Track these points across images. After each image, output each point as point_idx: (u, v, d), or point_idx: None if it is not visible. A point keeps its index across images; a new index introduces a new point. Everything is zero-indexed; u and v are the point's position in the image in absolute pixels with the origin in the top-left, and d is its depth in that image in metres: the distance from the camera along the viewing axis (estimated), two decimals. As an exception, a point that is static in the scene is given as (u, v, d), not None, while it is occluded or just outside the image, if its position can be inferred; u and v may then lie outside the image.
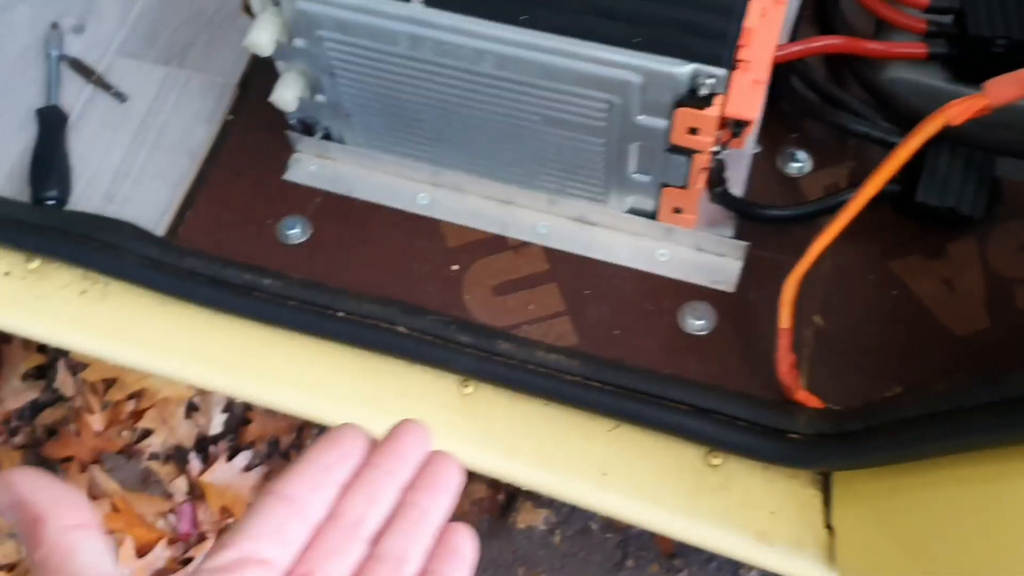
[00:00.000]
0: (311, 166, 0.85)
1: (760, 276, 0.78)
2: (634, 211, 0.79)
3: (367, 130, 0.80)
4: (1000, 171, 0.77)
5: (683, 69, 0.63)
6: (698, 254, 0.79)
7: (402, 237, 0.82)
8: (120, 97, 0.91)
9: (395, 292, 0.79)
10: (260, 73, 0.91)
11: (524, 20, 0.64)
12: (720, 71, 0.62)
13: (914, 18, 0.84)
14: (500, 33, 0.65)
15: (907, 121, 0.73)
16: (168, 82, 0.91)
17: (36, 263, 0.82)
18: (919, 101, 0.82)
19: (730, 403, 0.72)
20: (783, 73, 0.83)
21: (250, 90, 0.90)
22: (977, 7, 0.79)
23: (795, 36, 0.83)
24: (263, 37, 0.70)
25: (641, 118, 0.67)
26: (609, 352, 0.76)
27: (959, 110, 0.62)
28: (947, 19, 0.83)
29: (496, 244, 0.81)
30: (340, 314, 0.76)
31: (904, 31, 0.85)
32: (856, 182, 0.79)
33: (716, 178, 0.73)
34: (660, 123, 0.67)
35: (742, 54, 0.64)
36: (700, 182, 0.72)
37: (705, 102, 0.63)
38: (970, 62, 0.81)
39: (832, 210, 0.77)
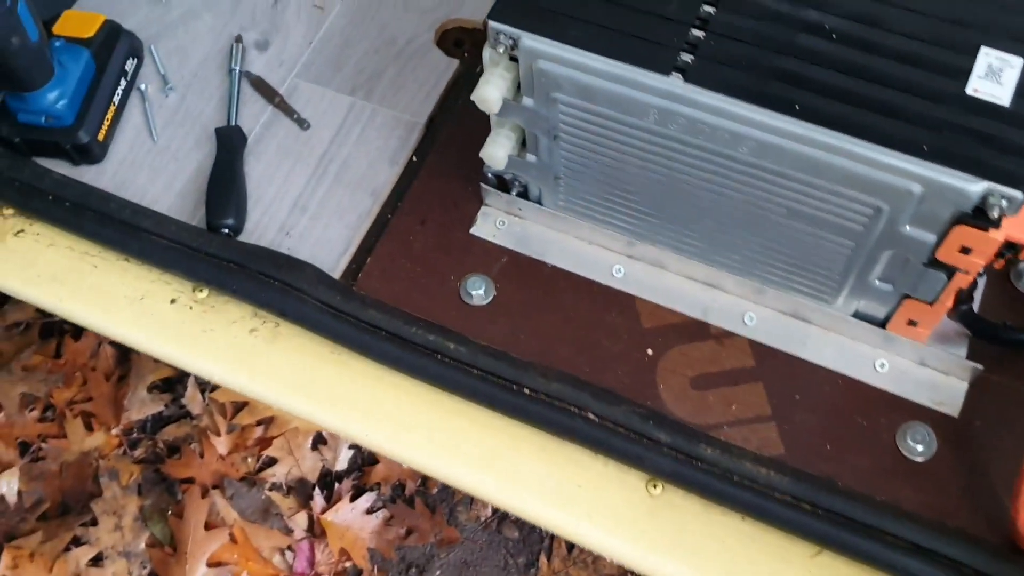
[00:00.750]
0: (500, 222, 0.79)
1: (987, 401, 0.71)
2: (859, 315, 0.72)
3: (572, 194, 0.74)
4: None
5: (975, 187, 0.56)
6: (920, 369, 0.72)
7: (593, 310, 0.76)
8: (303, 124, 0.86)
9: (581, 370, 0.73)
10: (448, 113, 0.87)
11: (796, 110, 0.58)
12: (1017, 193, 0.55)
13: None
14: (765, 119, 0.58)
15: None
16: (353, 114, 0.87)
17: (204, 293, 0.78)
18: None
19: (955, 545, 0.64)
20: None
21: (438, 131, 0.86)
22: None
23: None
24: (492, 94, 0.64)
25: (908, 228, 0.60)
26: (818, 468, 0.69)
27: None
28: None
29: (696, 330, 0.75)
30: (526, 391, 0.71)
31: None
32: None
33: (966, 295, 0.66)
34: (929, 236, 0.60)
35: None
36: (950, 299, 0.65)
37: (991, 223, 0.56)
38: None
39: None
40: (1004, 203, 0.56)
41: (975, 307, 0.72)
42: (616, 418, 0.70)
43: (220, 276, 0.77)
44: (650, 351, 0.74)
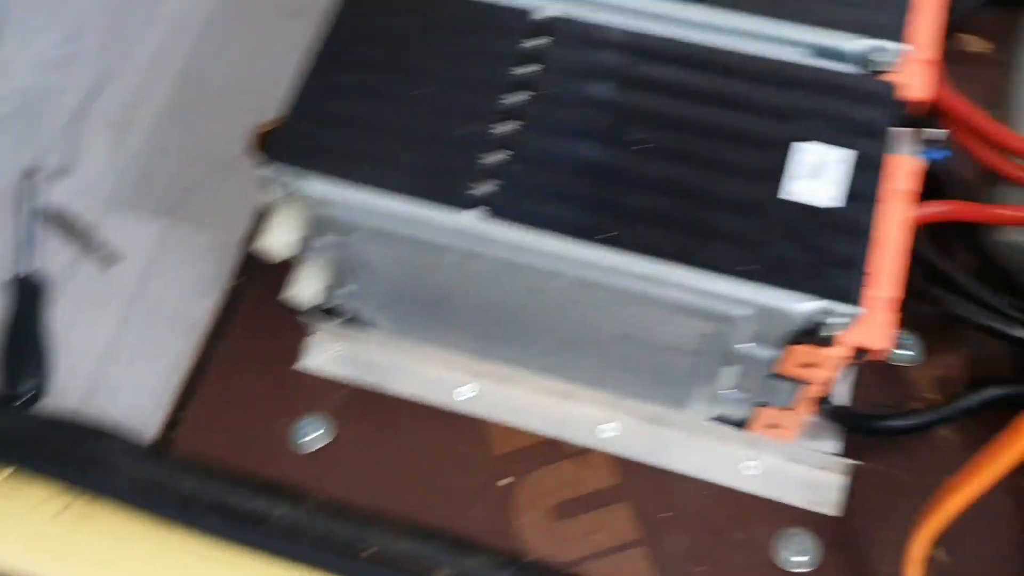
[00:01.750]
0: (334, 351, 0.72)
1: (871, 495, 0.66)
2: (721, 419, 0.66)
3: (402, 320, 0.68)
4: None
5: (802, 306, 0.50)
6: (794, 467, 0.67)
7: (442, 442, 0.69)
8: (110, 259, 0.78)
9: (435, 515, 0.66)
10: (271, 228, 0.79)
11: (607, 238, 0.52)
12: (849, 308, 0.50)
13: (1036, 172, 0.72)
14: (577, 253, 0.52)
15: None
16: (165, 240, 0.79)
17: (6, 473, 0.70)
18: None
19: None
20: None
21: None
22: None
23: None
24: (277, 243, 0.57)
25: (744, 347, 0.55)
26: (694, 596, 0.63)
27: None
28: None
29: (553, 451, 0.69)
30: (369, 551, 0.64)
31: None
32: (974, 376, 0.67)
33: (825, 394, 0.60)
34: (766, 353, 0.55)
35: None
36: (806, 404, 0.60)
37: (826, 341, 0.51)
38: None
39: (954, 418, 0.65)
40: (836, 320, 0.50)
41: (848, 386, 0.67)
42: (471, 571, 0.63)
43: (20, 454, 0.69)
44: (505, 481, 0.68)
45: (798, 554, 0.64)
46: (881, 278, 0.54)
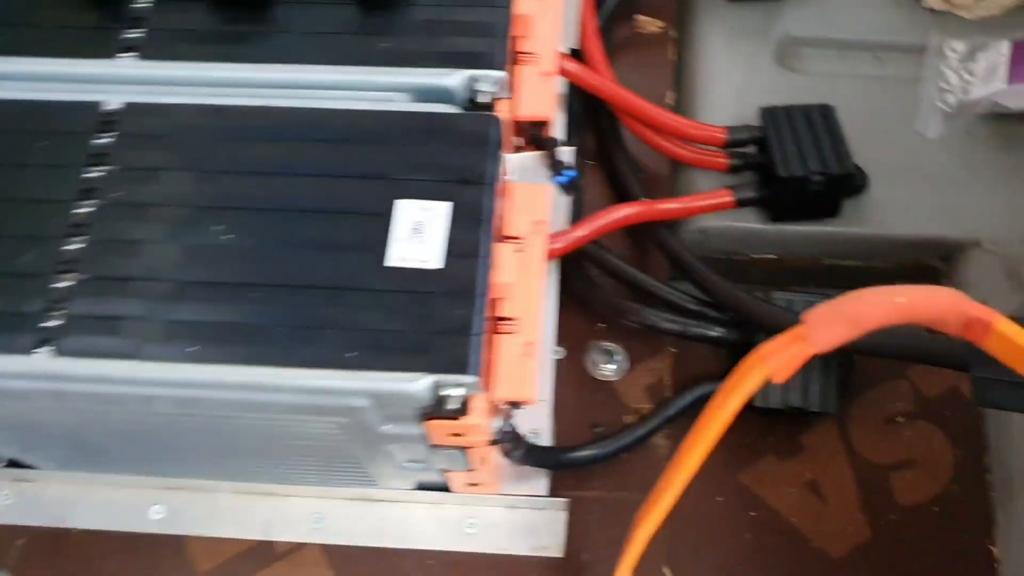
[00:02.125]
0: (3, 497, 0.65)
1: (592, 526, 0.63)
2: (424, 486, 0.63)
3: (58, 458, 0.61)
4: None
5: (417, 385, 0.46)
6: (512, 513, 0.63)
7: (140, 570, 0.63)
8: None
9: (139, 655, 0.60)
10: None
11: (192, 353, 0.46)
12: (468, 379, 0.46)
13: (712, 155, 0.70)
14: (163, 374, 0.47)
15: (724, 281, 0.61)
16: None
17: None
18: (732, 246, 0.69)
19: None
20: (573, 260, 0.67)
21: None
22: (780, 150, 0.65)
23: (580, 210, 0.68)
24: None
25: (387, 428, 0.50)
26: None
27: (779, 364, 0.47)
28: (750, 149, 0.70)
29: (262, 553, 0.63)
30: None
31: (702, 168, 0.71)
32: (682, 378, 0.65)
33: (512, 441, 0.57)
34: (412, 430, 0.50)
35: (507, 308, 0.49)
36: (489, 461, 0.56)
37: (457, 412, 0.47)
38: (785, 203, 0.68)
39: (642, 440, 0.63)
40: (455, 391, 0.46)
41: (549, 406, 0.64)
42: None
43: None
44: (213, 600, 0.62)
45: (527, 608, 0.61)
46: (524, 325, 0.51)
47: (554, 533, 0.63)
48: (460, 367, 0.46)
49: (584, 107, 0.72)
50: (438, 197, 0.49)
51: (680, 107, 0.75)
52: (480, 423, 0.48)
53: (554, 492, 0.63)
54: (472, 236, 0.49)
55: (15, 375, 0.47)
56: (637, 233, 0.72)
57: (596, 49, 0.70)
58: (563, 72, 0.64)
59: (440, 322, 0.47)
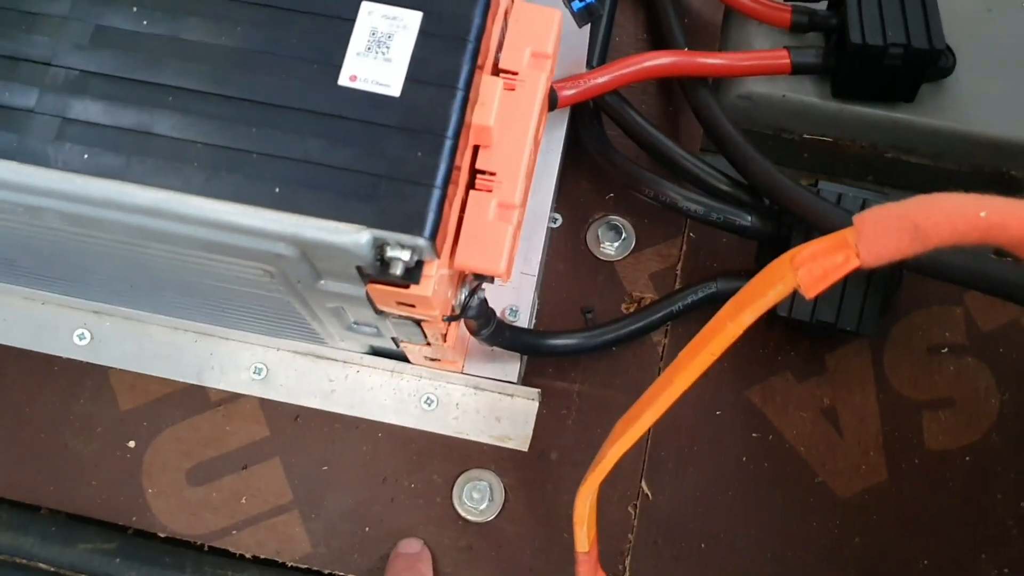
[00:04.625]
0: (-86, 300, 0.58)
1: (567, 422, 0.55)
2: (377, 352, 0.54)
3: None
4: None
5: (355, 238, 0.37)
6: (477, 396, 0.55)
7: (57, 399, 0.56)
8: None
9: (45, 490, 0.54)
10: None
11: (85, 162, 0.37)
12: (418, 241, 0.37)
13: (775, 6, 0.58)
14: (46, 182, 0.38)
15: (765, 160, 0.50)
16: None
17: None
18: (782, 121, 0.58)
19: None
20: (590, 113, 0.57)
21: None
22: (856, 9, 0.53)
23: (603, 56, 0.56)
24: None
25: (325, 284, 0.42)
26: (354, 565, 0.53)
27: (815, 274, 0.37)
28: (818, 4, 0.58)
29: (193, 399, 0.56)
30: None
31: (761, 22, 0.59)
32: (696, 268, 0.56)
33: (480, 318, 0.48)
34: (355, 291, 0.42)
35: (484, 159, 0.39)
36: (450, 338, 0.47)
37: (407, 277, 0.38)
38: (852, 76, 0.56)
39: (638, 335, 0.54)
40: (405, 254, 0.37)
41: (536, 284, 0.55)
42: (73, 563, 0.51)
43: None
44: (132, 443, 0.55)
45: (479, 500, 0.53)
46: (503, 182, 0.41)
47: (520, 424, 0.55)
48: (410, 225, 0.36)
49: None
50: (411, 4, 0.38)
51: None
52: (430, 295, 0.39)
53: (528, 380, 0.55)
54: (450, 59, 0.38)
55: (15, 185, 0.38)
56: (670, 89, 0.60)
57: None
58: None
59: (394, 165, 0.37)
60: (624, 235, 0.58)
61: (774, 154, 0.61)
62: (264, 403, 0.56)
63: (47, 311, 0.57)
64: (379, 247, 0.37)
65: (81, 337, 0.57)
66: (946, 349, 0.55)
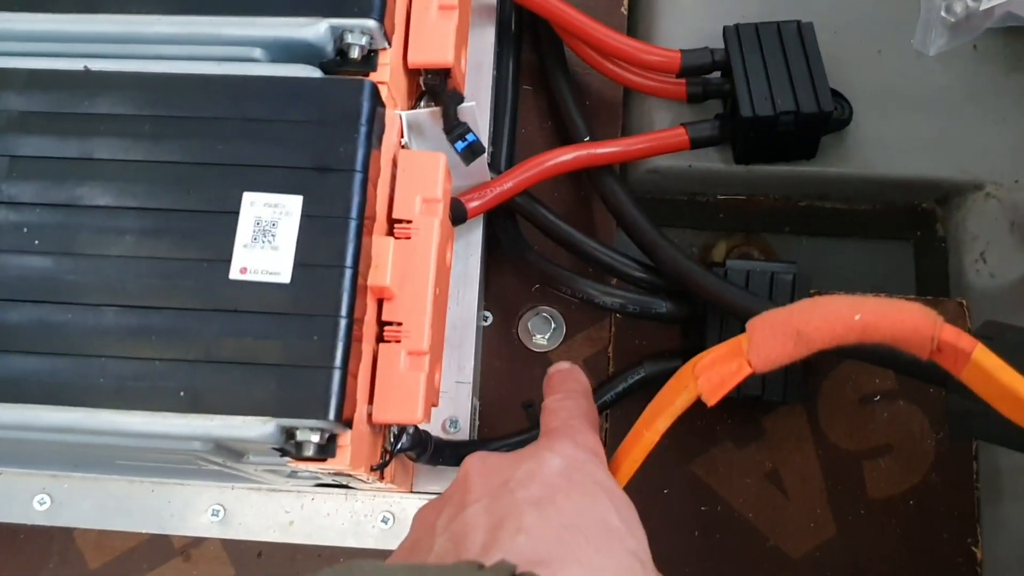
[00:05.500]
0: None
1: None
2: (330, 485, 0.56)
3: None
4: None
5: (260, 429, 0.38)
6: (433, 506, 0.56)
7: (26, 569, 0.58)
8: None
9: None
10: None
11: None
12: (324, 424, 0.38)
13: (669, 81, 0.59)
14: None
15: (671, 247, 0.52)
16: None
17: None
18: (692, 187, 0.60)
19: None
20: (504, 212, 0.58)
21: None
22: (744, 83, 0.55)
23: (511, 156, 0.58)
24: None
25: (252, 458, 0.43)
26: None
27: (712, 384, 0.38)
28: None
29: (157, 549, 0.57)
30: None
31: (659, 97, 0.60)
32: (628, 349, 0.57)
33: (415, 448, 0.49)
34: (281, 463, 0.43)
35: (389, 311, 0.40)
36: (387, 475, 0.49)
37: (323, 453, 0.39)
38: (750, 144, 0.58)
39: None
40: (315, 436, 0.38)
41: (473, 378, 0.57)
42: None
43: None
44: (105, 601, 0.57)
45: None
46: (410, 332, 0.42)
47: (478, 529, 0.56)
48: (314, 410, 0.38)
49: (519, 18, 0.61)
50: (291, 189, 0.40)
51: (634, 22, 0.64)
52: (348, 465, 0.40)
53: (477, 486, 0.56)
54: (335, 240, 0.40)
55: None
56: (581, 176, 0.62)
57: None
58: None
59: (292, 352, 0.38)
60: (554, 325, 0.59)
61: (691, 217, 0.63)
62: (226, 543, 0.57)
63: (5, 481, 0.58)
64: (289, 432, 0.38)
65: (41, 502, 0.58)
66: (878, 397, 0.56)
